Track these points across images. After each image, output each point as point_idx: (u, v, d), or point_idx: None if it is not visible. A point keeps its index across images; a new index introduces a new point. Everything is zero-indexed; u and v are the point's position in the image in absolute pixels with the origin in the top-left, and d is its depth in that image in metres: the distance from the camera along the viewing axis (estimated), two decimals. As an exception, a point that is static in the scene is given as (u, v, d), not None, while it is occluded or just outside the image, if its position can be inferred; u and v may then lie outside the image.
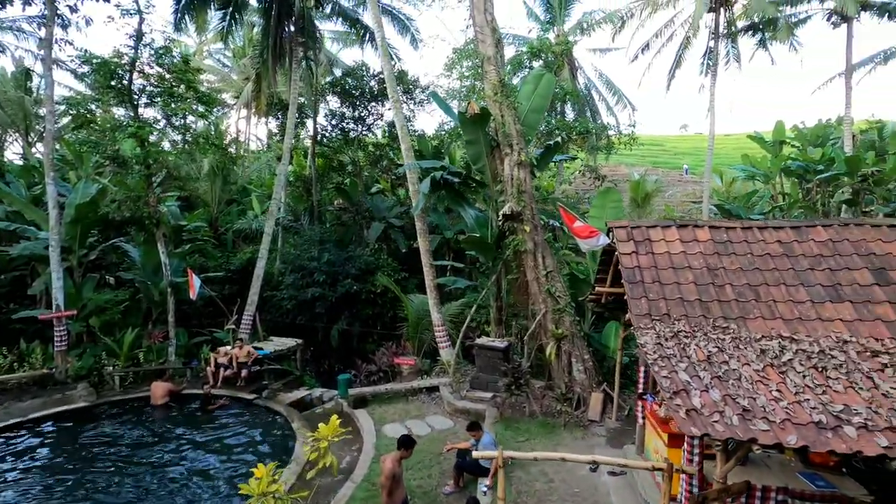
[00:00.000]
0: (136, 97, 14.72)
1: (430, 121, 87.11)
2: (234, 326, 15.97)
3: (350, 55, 51.35)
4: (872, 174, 20.58)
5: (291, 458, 9.44)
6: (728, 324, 5.63)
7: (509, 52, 24.62)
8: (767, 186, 28.49)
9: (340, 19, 22.44)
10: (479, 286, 15.12)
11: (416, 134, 22.82)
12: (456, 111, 15.34)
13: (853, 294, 5.82)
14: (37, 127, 29.33)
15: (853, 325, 5.51)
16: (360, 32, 22.38)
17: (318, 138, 23.60)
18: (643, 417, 8.22)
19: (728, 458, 4.56)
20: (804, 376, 4.79)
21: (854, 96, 22.29)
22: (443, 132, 24.57)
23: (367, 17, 22.28)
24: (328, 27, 25.78)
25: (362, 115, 23.60)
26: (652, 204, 29.66)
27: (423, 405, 11.74)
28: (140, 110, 15.03)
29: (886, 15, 21.64)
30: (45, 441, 10.53)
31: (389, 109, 24.00)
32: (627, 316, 9.43)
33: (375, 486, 8.36)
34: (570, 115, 26.73)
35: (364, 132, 24.41)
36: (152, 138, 15.21)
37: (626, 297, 7.85)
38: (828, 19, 22.40)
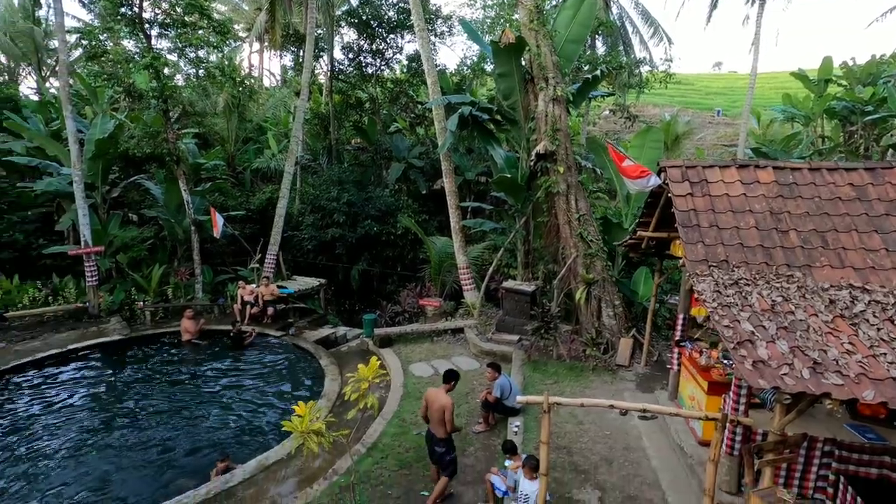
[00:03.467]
0: (147, 27, 14.03)
1: (450, 56, 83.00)
2: (258, 265, 16.04)
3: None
4: (927, 116, 19.21)
5: (322, 393, 9.66)
6: (792, 272, 5.26)
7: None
8: (807, 129, 26.88)
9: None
10: (506, 229, 14.77)
11: (437, 69, 21.64)
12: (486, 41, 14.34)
13: (933, 242, 5.37)
14: (48, 61, 28.60)
15: (932, 275, 5.12)
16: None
17: (335, 73, 22.58)
18: (678, 364, 8.07)
19: (788, 410, 4.35)
20: (878, 329, 4.48)
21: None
22: (465, 67, 23.33)
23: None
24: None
25: (380, 48, 22.41)
26: (682, 147, 28.35)
27: (449, 346, 11.80)
28: (153, 41, 14.38)
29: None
30: (89, 371, 10.91)
31: (409, 42, 22.77)
32: (671, 262, 9.16)
33: (405, 423, 8.50)
34: (600, 48, 25.07)
35: (382, 67, 23.28)
36: (166, 71, 14.62)
37: (674, 242, 7.50)
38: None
